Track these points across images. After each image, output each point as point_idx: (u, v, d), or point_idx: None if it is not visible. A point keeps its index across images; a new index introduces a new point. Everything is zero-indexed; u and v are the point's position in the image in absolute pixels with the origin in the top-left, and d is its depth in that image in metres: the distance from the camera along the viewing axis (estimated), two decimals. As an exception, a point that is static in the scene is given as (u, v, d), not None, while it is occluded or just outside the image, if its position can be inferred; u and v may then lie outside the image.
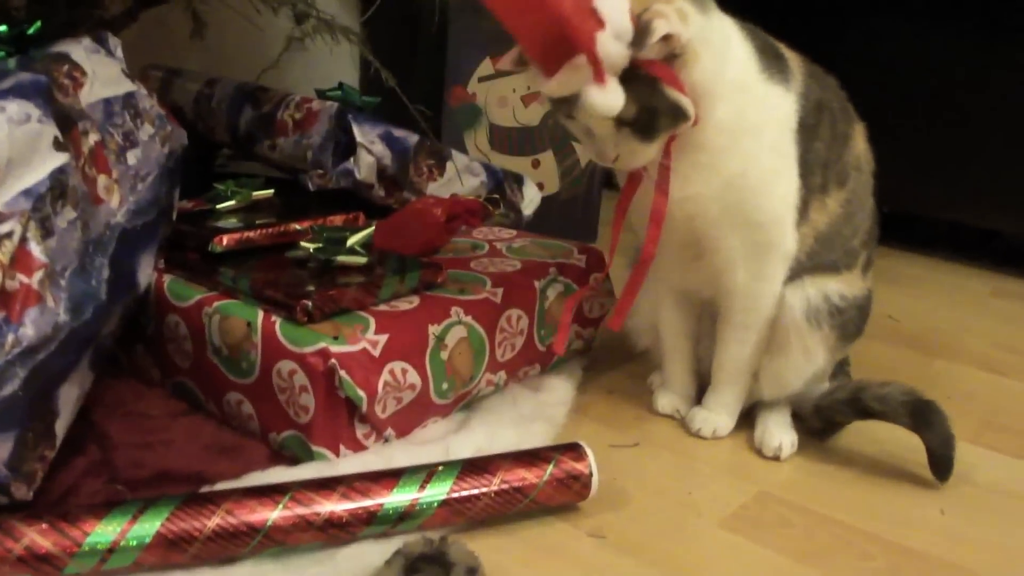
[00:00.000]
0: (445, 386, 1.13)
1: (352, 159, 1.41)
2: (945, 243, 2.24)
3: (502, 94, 1.90)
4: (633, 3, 0.94)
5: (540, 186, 1.94)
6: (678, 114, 0.99)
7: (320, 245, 1.18)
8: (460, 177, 1.53)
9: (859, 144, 1.16)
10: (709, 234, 1.10)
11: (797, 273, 1.13)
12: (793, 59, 1.11)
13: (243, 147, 1.64)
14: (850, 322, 1.15)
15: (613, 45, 0.92)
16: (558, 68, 0.93)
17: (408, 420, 1.11)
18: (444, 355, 1.12)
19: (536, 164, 1.94)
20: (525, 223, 1.62)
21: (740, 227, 1.09)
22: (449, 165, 1.52)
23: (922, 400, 1.11)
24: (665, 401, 1.26)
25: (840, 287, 1.14)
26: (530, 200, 1.64)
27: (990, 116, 1.99)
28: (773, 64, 1.08)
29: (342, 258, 1.17)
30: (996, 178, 2.01)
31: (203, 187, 1.41)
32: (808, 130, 1.09)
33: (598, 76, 0.92)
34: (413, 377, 1.09)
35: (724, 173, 1.06)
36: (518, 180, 1.63)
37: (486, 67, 1.88)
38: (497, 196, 1.52)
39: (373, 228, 1.22)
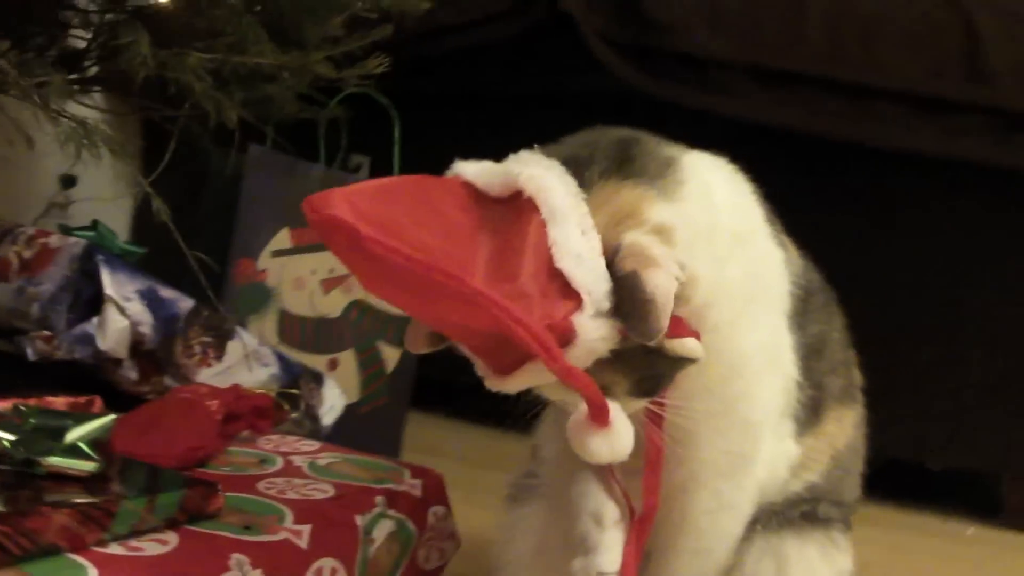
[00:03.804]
0: None
1: (96, 319, 0.92)
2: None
3: (299, 275, 1.46)
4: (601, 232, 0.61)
5: (336, 391, 1.49)
6: (685, 364, 0.64)
7: (19, 436, 0.69)
8: (246, 364, 1.07)
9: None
10: (678, 437, 0.70)
11: (814, 502, 0.78)
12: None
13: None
14: None
15: (595, 329, 0.59)
16: (515, 366, 0.60)
17: None
18: (213, 637, 0.63)
19: (333, 365, 1.48)
20: (324, 435, 1.16)
21: (724, 431, 0.71)
22: (232, 346, 1.06)
23: None
24: None
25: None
26: (331, 406, 1.19)
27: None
28: (771, 218, 0.75)
29: (55, 460, 0.68)
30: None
31: None
32: (825, 308, 0.78)
33: (599, 417, 0.61)
34: None
35: (730, 355, 0.69)
36: (317, 379, 1.18)
37: (282, 239, 1.44)
38: (297, 392, 1.06)
39: (112, 419, 0.74)
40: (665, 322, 0.58)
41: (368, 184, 0.59)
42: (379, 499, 0.84)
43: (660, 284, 0.58)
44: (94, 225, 1.08)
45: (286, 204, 1.45)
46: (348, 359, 1.50)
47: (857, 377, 0.84)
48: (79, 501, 0.64)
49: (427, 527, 0.88)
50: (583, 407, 0.61)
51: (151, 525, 0.67)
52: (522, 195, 0.60)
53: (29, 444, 0.68)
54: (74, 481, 0.68)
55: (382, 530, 0.82)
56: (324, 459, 0.93)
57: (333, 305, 1.49)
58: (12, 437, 0.68)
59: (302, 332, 1.46)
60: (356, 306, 1.50)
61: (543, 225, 0.58)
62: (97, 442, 0.71)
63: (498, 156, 0.65)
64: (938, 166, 1.49)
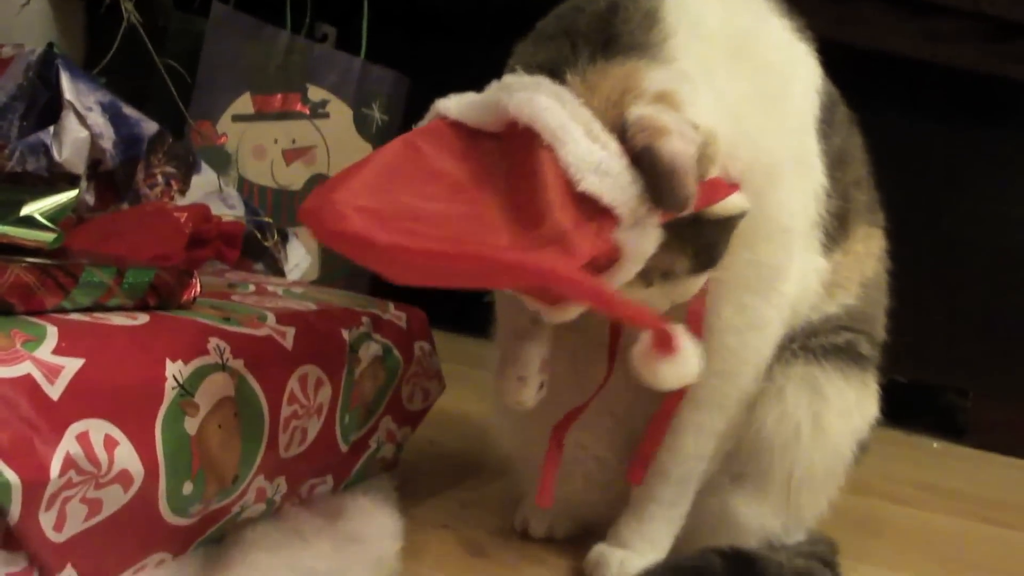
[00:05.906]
0: (189, 489, 0.53)
1: (52, 128, 0.80)
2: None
3: (260, 143, 1.34)
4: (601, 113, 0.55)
5: (296, 265, 1.38)
6: (736, 222, 0.60)
7: (-36, 202, 0.57)
8: (211, 202, 0.95)
9: None
10: None
11: (855, 333, 0.71)
12: None
13: None
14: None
15: (638, 237, 0.53)
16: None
17: (108, 553, 0.50)
18: (192, 424, 0.53)
19: (292, 239, 1.37)
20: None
21: (754, 242, 0.64)
22: (197, 181, 0.94)
23: None
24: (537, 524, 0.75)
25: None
26: (296, 265, 1.08)
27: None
28: (795, 22, 0.68)
29: (6, 229, 0.56)
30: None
31: None
32: (848, 122, 0.71)
33: (665, 345, 0.56)
34: (127, 458, 0.48)
35: (763, 166, 0.62)
36: (283, 235, 1.07)
37: (244, 104, 1.32)
38: (270, 222, 0.95)
39: (75, 195, 0.62)
40: (692, 187, 0.53)
41: (361, 174, 0.51)
42: (365, 320, 0.74)
43: (677, 150, 0.52)
44: (50, 47, 0.94)
45: (250, 68, 1.33)
46: (307, 235, 1.39)
47: (877, 196, 0.76)
48: (38, 263, 0.52)
49: (413, 359, 0.78)
50: (645, 337, 0.56)
51: (118, 302, 0.56)
52: (518, 125, 0.53)
53: (-25, 210, 0.56)
54: (31, 253, 0.56)
55: (368, 351, 0.72)
56: (299, 289, 0.83)
57: (295, 177, 1.38)
58: (-45, 201, 0.57)
59: (261, 202, 1.35)
60: (319, 180, 1.39)
61: (551, 151, 0.51)
62: (56, 219, 0.60)
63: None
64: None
